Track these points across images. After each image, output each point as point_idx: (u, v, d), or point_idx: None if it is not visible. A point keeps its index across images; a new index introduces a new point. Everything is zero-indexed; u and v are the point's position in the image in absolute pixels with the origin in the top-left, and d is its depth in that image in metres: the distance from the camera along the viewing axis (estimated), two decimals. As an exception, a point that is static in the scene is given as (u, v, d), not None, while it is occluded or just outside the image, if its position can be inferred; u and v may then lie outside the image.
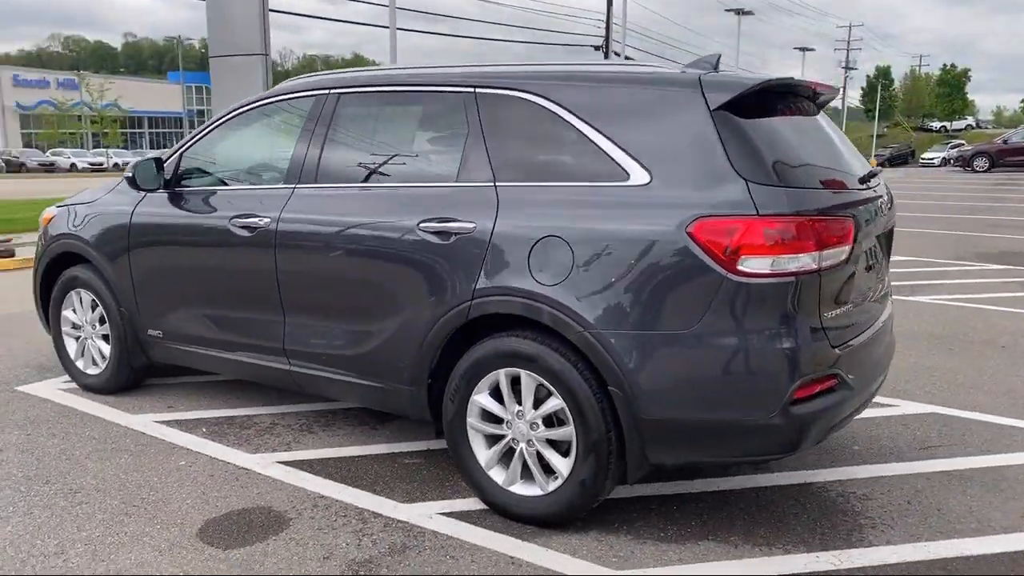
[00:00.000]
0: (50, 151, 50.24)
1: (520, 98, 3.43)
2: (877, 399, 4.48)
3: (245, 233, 4.05)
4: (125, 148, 59.44)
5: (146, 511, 3.50)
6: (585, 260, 3.12)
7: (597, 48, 39.15)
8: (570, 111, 3.30)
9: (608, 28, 38.48)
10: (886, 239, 3.75)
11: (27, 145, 55.15)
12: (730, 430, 3.02)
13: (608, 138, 3.20)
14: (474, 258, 3.35)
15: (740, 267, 2.89)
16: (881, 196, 3.59)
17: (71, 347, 5.12)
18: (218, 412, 4.71)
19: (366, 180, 3.84)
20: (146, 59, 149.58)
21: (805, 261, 2.93)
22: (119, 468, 3.93)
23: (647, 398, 3.04)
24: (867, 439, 4.33)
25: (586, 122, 3.25)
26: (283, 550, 3.18)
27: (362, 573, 3.02)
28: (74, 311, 5.05)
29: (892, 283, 4.05)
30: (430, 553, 3.16)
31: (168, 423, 4.54)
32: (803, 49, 65.64)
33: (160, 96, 67.55)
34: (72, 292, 5.00)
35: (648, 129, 3.16)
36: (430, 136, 3.94)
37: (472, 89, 3.57)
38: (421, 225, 3.49)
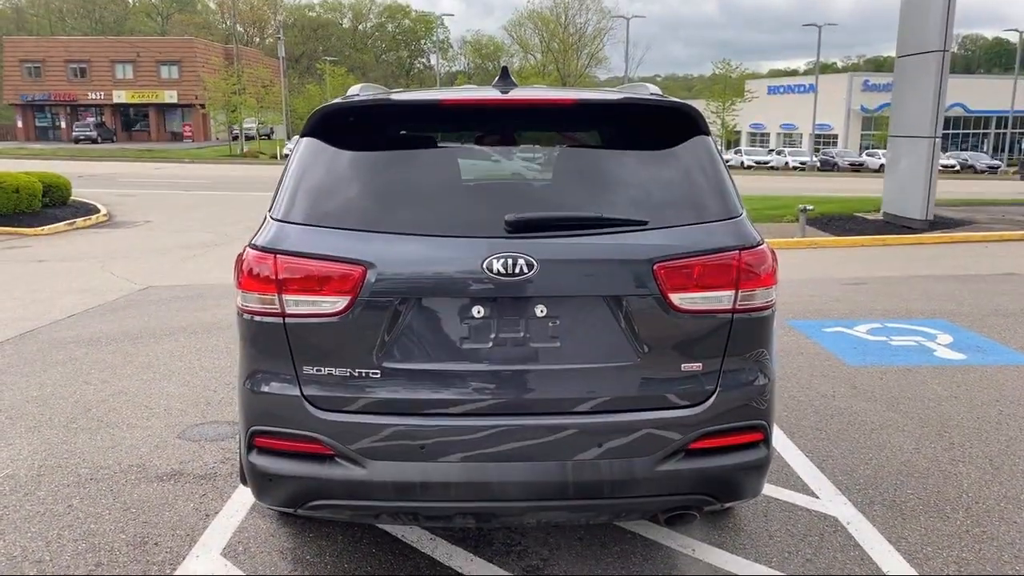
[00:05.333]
0: (865, 152, 52.91)
1: None
2: None
3: None
4: (965, 150, 57.77)
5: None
6: None
7: None
8: None
9: None
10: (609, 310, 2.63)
11: (865, 147, 58.97)
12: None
13: None
14: None
15: (237, 298, 2.85)
16: (530, 256, 2.57)
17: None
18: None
19: None
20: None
21: (265, 301, 2.67)
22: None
23: None
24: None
25: None
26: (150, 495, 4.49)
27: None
28: None
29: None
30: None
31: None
32: None
33: (1006, 94, 62.09)
34: None
35: None
36: None
37: None
38: None
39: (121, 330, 7.35)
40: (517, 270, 2.57)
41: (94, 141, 57.33)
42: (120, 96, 63.55)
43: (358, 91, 3.21)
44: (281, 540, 3.48)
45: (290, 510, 2.84)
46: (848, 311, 8.14)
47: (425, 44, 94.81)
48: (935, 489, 4.00)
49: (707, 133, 2.92)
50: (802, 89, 65.18)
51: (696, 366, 2.71)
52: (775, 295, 2.83)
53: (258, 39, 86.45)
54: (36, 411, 5.11)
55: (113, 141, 60.64)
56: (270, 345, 2.71)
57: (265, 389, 2.73)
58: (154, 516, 3.70)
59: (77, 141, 56.99)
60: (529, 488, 2.67)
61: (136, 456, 4.39)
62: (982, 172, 50.13)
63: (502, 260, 2.57)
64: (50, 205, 16.91)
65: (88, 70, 63.05)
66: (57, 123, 64.73)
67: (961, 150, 60.01)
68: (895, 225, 15.61)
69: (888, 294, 9.12)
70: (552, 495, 2.68)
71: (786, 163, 52.57)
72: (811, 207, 15.38)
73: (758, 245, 2.76)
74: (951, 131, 63.62)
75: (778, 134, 69.04)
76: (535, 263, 2.58)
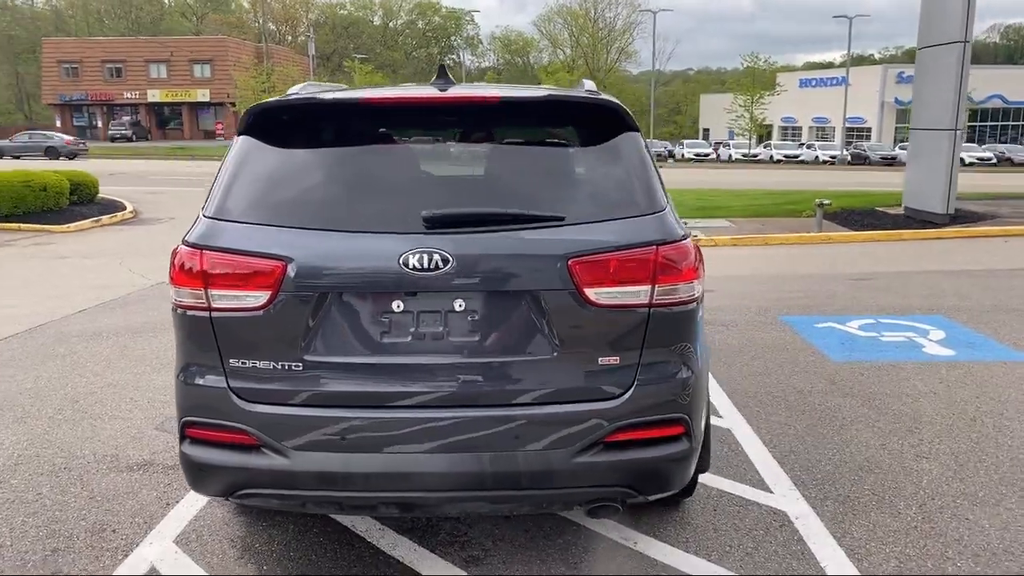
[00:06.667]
0: (898, 146, 51.98)
1: None
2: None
3: None
4: (1003, 142, 56.56)
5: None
6: None
7: None
8: None
9: None
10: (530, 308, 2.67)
11: (900, 140, 57.90)
12: None
13: None
14: None
15: (171, 292, 2.93)
16: (445, 251, 2.63)
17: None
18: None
19: None
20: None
21: (194, 296, 2.76)
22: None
23: None
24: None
25: None
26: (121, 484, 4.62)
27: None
28: None
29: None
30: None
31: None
32: None
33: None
34: None
35: None
36: None
37: None
38: None
39: (124, 324, 7.54)
40: (433, 265, 2.63)
41: (129, 139, 58.85)
42: (154, 95, 64.77)
43: (298, 90, 3.28)
44: (234, 529, 3.58)
45: (223, 499, 2.92)
46: (844, 307, 8.05)
47: (455, 40, 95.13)
48: (892, 485, 3.98)
49: (635, 129, 2.94)
50: (834, 82, 64.06)
51: (613, 360, 2.74)
52: (699, 290, 2.85)
53: (290, 37, 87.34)
54: (27, 402, 5.29)
55: (148, 139, 61.99)
56: (199, 339, 2.80)
57: (196, 381, 2.82)
58: (117, 504, 3.82)
59: (113, 140, 58.66)
60: (447, 479, 2.72)
61: (111, 446, 4.52)
62: (1021, 165, 48.86)
63: (418, 256, 2.63)
64: (78, 203, 17.35)
65: (124, 70, 64.38)
66: (94, 122, 66.24)
67: (1000, 142, 58.60)
68: (915, 219, 15.36)
69: (891, 289, 9.00)
70: (470, 486, 2.74)
71: (816, 157, 51.80)
72: (828, 202, 15.20)
73: (679, 240, 2.77)
74: (989, 123, 62.23)
75: (810, 127, 67.99)
76: (451, 258, 2.63)
